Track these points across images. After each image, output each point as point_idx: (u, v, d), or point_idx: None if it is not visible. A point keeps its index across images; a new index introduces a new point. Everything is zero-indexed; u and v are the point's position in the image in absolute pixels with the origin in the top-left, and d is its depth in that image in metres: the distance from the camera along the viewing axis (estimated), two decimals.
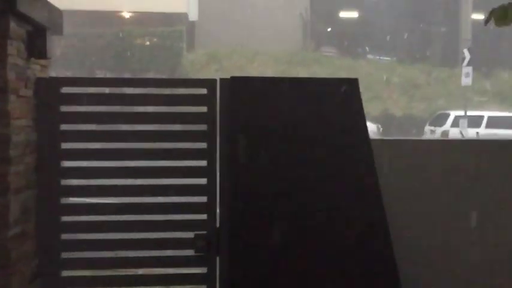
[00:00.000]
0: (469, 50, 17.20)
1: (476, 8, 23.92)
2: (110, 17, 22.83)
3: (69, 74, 21.63)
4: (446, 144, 3.76)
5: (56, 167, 3.39)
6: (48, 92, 3.35)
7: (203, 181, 3.51)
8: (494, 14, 2.81)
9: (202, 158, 3.50)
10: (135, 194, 3.53)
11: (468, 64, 18.04)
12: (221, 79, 3.56)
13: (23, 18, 3.04)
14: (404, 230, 3.34)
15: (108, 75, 21.70)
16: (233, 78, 3.54)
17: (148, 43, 22.49)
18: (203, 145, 3.51)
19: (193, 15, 25.21)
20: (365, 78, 24.41)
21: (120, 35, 22.02)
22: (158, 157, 3.53)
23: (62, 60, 21.66)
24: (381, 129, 18.63)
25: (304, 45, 26.53)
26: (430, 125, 19.38)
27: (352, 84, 3.50)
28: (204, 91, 3.53)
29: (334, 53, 27.04)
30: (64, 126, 3.40)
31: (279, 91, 3.47)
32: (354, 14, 29.73)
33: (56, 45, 3.66)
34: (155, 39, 22.37)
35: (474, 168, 3.44)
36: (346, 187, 3.29)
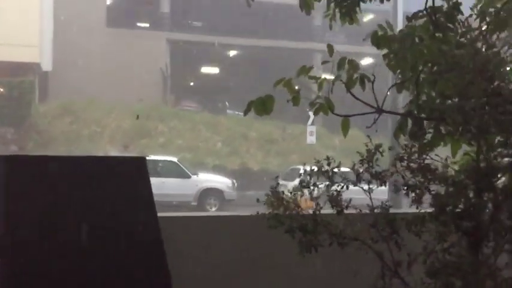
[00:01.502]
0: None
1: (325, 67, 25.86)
2: None
3: None
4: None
5: None
6: None
7: None
8: (254, 105, 2.97)
9: None
10: None
11: (312, 123, 19.21)
12: None
13: None
14: None
15: None
16: (12, 156, 3.36)
17: None
18: None
19: (46, 65, 24.23)
20: (224, 133, 25.05)
21: None
22: None
23: None
24: (236, 184, 19.00)
25: (164, 100, 26.62)
26: (283, 179, 20.11)
27: (139, 162, 3.49)
28: None
29: (195, 108, 27.45)
30: None
31: (59, 170, 3.34)
32: (215, 70, 30.65)
33: None
34: (2, 90, 21.08)
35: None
36: (132, 271, 3.22)
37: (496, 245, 2.49)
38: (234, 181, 19.05)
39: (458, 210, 2.41)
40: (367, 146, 2.57)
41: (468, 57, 2.25)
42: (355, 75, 3.07)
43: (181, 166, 18.35)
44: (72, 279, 3.11)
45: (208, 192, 18.41)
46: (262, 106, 2.98)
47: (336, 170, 2.63)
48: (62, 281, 3.09)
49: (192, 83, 30.14)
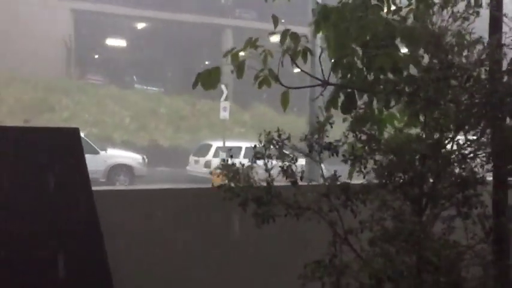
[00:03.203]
0: (225, 85, 18.35)
1: (236, 44, 25.79)
2: None
3: None
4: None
5: None
6: None
7: None
8: (201, 78, 2.91)
9: None
10: None
11: (226, 99, 19.23)
12: None
13: None
14: None
15: None
16: None
17: None
18: None
19: None
20: (132, 107, 24.39)
21: None
22: None
23: None
24: (146, 160, 18.65)
25: (68, 73, 25.38)
26: (194, 155, 20.08)
27: (73, 134, 3.32)
28: None
29: (101, 81, 26.44)
30: None
31: None
32: (122, 43, 29.59)
33: None
34: None
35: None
36: (65, 244, 3.08)
37: (433, 213, 2.65)
38: (145, 157, 18.69)
39: (403, 179, 2.53)
40: (317, 118, 2.61)
41: (422, 30, 2.34)
42: (298, 49, 3.10)
43: (89, 141, 17.68)
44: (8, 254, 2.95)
45: (118, 169, 17.95)
46: (209, 79, 2.91)
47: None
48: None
49: (97, 56, 28.91)
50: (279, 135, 2.60)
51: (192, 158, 20.09)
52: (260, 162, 2.63)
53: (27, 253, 3.01)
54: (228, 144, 18.93)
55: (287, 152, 2.58)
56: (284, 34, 3.14)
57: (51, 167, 3.28)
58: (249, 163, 2.54)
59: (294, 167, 2.44)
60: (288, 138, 2.64)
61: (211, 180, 17.34)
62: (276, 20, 3.12)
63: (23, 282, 2.94)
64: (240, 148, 19.22)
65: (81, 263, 3.14)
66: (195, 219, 3.49)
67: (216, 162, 18.33)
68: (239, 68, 3.07)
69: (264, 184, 2.47)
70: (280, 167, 2.49)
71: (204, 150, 19.88)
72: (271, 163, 2.49)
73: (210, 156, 19.20)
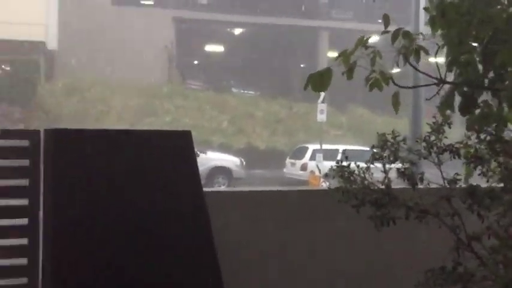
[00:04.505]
0: None
1: (332, 46, 25.59)
2: None
3: None
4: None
5: None
6: None
7: (24, 241, 3.21)
8: (312, 81, 2.89)
9: (22, 216, 3.20)
10: None
11: (323, 101, 19.11)
12: (45, 130, 3.30)
13: None
14: None
15: None
16: (60, 130, 3.31)
17: (0, 72, 20.99)
18: (24, 201, 3.22)
19: (52, 44, 24.02)
20: (230, 111, 24.95)
21: None
22: None
23: None
24: (244, 162, 18.97)
25: (169, 78, 26.46)
26: (291, 158, 20.15)
27: (185, 136, 3.44)
28: (26, 143, 3.25)
29: (200, 86, 27.31)
30: None
31: (108, 142, 3.30)
32: (219, 48, 30.39)
33: None
34: (8, 68, 20.93)
35: None
36: (178, 243, 3.20)
37: None
38: (242, 159, 19.02)
39: None
40: (434, 117, 2.51)
41: None
42: (411, 47, 3.00)
43: None
44: (119, 253, 3.10)
45: (217, 171, 18.41)
46: (320, 81, 2.89)
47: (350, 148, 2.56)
48: (111, 254, 3.08)
49: (196, 62, 29.91)
50: (394, 137, 2.53)
51: (288, 161, 20.18)
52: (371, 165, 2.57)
53: (139, 251, 3.14)
54: (325, 147, 18.80)
55: (403, 155, 2.50)
56: (396, 33, 3.05)
57: (165, 168, 3.41)
58: (365, 165, 2.49)
59: (413, 169, 2.36)
60: (404, 140, 2.56)
61: (308, 182, 17.36)
62: (387, 20, 3.04)
63: (132, 279, 3.07)
64: (336, 151, 19.07)
65: (191, 263, 3.23)
66: (302, 220, 3.48)
67: (312, 165, 18.27)
68: (350, 69, 3.02)
69: (381, 186, 2.40)
70: (397, 169, 2.42)
71: (300, 153, 19.89)
72: (388, 165, 2.42)
73: (306, 159, 19.17)
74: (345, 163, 2.50)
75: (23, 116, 20.26)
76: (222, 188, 4.22)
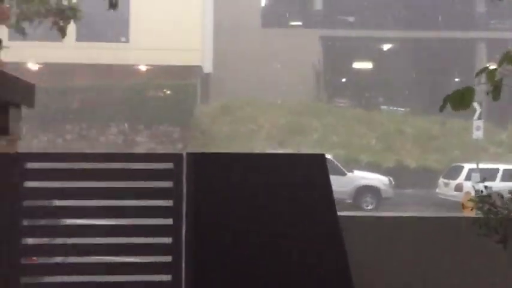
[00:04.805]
0: (480, 103, 17.04)
1: (491, 58, 23.90)
2: (127, 70, 23.34)
3: (84, 126, 22.02)
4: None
5: (17, 245, 3.32)
6: (11, 168, 3.32)
7: (168, 259, 3.41)
8: (451, 100, 2.71)
9: (167, 235, 3.42)
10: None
11: (479, 117, 17.84)
12: (188, 154, 3.50)
13: None
14: None
15: (121, 127, 22.00)
16: (200, 153, 3.49)
17: (162, 95, 22.86)
18: (169, 221, 3.43)
19: (207, 68, 25.65)
20: (378, 128, 24.39)
21: (135, 88, 22.43)
22: (123, 233, 3.45)
23: (76, 113, 22.08)
24: (393, 181, 18.35)
25: (317, 96, 26.69)
26: (444, 177, 19.06)
27: (319, 159, 3.43)
28: (170, 165, 3.48)
29: (347, 104, 27.13)
30: (27, 203, 3.36)
31: (245, 166, 3.40)
32: (367, 65, 29.98)
33: (21, 120, 3.66)
34: (169, 92, 22.73)
35: None
36: (313, 269, 3.17)
37: None
38: (391, 179, 18.42)
39: None
40: None
41: None
42: None
43: (336, 163, 18.20)
44: (257, 276, 3.16)
45: (365, 190, 18.05)
46: (460, 100, 2.70)
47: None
48: (248, 276, 3.15)
49: (344, 79, 29.82)
50: None
51: (441, 180, 19.10)
52: None
53: (276, 275, 3.17)
54: (482, 166, 17.50)
55: None
56: None
57: (300, 191, 3.42)
58: (510, 194, 2.25)
59: None
60: None
61: (461, 205, 16.25)
62: None
63: None
64: (496, 170, 17.62)
65: (325, 282, 3.18)
66: (438, 249, 3.26)
67: (468, 185, 17.09)
68: (495, 87, 2.78)
69: None
70: None
71: (455, 172, 18.73)
72: None
73: (461, 179, 17.99)
74: (485, 192, 2.29)
75: (181, 135, 21.85)
76: (358, 213, 4.12)
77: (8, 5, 8.71)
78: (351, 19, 28.24)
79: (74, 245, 3.44)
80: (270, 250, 3.31)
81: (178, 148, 21.80)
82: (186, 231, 3.44)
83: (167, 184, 3.46)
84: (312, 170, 3.48)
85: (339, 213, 3.37)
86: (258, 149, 19.84)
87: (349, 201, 17.67)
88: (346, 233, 3.21)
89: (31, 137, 21.17)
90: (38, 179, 3.44)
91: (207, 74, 25.86)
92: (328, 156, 18.37)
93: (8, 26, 9.83)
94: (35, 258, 3.57)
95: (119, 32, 22.98)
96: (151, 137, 22.04)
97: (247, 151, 19.18)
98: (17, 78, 3.44)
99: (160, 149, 21.77)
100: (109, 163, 3.62)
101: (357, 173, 18.47)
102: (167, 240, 3.44)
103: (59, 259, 3.79)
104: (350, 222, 3.48)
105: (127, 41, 23.26)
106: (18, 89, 3.42)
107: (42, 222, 3.59)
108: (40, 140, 21.84)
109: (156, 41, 22.03)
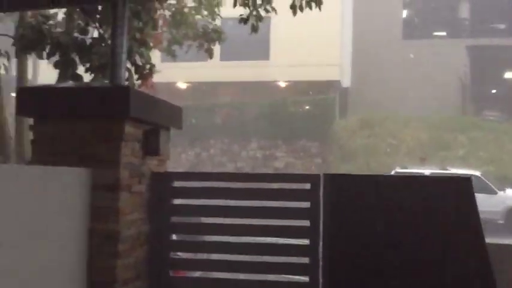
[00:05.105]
0: None
1: None
2: (267, 87, 24.03)
3: (226, 141, 23.05)
4: None
5: (166, 259, 3.57)
6: (161, 186, 3.58)
7: (305, 278, 3.45)
8: None
9: (303, 255, 3.46)
10: None
11: None
12: (324, 174, 3.51)
13: (138, 121, 3.34)
14: None
15: (261, 142, 22.64)
16: (336, 175, 3.49)
17: (300, 110, 23.14)
18: (306, 241, 3.47)
19: (346, 82, 25.51)
20: None
21: (275, 103, 22.99)
22: (262, 252, 3.56)
23: (220, 129, 23.19)
24: None
25: (463, 110, 25.19)
26: None
27: (465, 182, 3.24)
28: (307, 186, 3.51)
29: (498, 117, 25.19)
30: (174, 219, 3.59)
31: (380, 188, 3.32)
32: None
33: (169, 141, 3.92)
34: (307, 107, 22.94)
35: None
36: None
37: None
38: None
39: None
40: None
41: None
42: None
43: (486, 181, 16.96)
44: None
45: None
46: None
47: None
48: None
49: (494, 90, 27.78)
50: None
51: None
52: None
53: None
54: None
55: None
56: None
57: (443, 215, 3.27)
58: None
59: None
60: None
61: None
62: None
63: None
64: None
65: None
66: None
67: None
68: None
69: None
70: None
71: None
72: None
73: None
74: None
75: (319, 150, 21.91)
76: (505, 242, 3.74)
77: (160, 31, 9.47)
78: (502, 26, 26.34)
79: (218, 261, 3.62)
80: (409, 274, 3.21)
81: (317, 163, 21.87)
82: (323, 252, 3.45)
83: (305, 204, 3.50)
84: (455, 194, 3.31)
85: (491, 241, 3.16)
86: (398, 164, 19.18)
87: (501, 222, 16.35)
88: (498, 262, 2.99)
89: (180, 151, 22.65)
90: (185, 196, 3.67)
91: (346, 88, 25.71)
92: (476, 173, 17.28)
93: (161, 50, 10.67)
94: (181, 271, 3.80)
95: (260, 51, 23.77)
96: (290, 151, 22.39)
97: (386, 166, 18.65)
98: (166, 102, 3.70)
99: (299, 164, 22.00)
100: (247, 183, 3.76)
101: (509, 192, 17.05)
102: (304, 260, 3.47)
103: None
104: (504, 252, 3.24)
105: (267, 59, 23.97)
106: (168, 113, 3.69)
107: (187, 237, 3.82)
108: (188, 154, 23.26)
109: (295, 58, 22.45)
